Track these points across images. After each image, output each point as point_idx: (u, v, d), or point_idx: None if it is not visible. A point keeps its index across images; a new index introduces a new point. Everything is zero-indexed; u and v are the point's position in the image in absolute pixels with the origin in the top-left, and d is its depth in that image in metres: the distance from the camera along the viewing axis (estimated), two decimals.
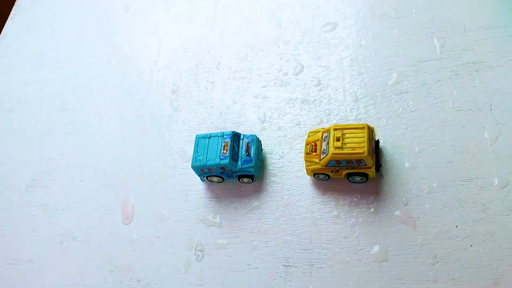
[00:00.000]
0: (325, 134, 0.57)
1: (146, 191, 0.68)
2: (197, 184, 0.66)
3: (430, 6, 0.68)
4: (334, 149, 0.54)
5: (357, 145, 0.53)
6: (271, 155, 0.64)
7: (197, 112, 0.73)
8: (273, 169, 0.63)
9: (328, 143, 0.55)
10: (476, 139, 0.56)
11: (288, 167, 0.62)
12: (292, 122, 0.66)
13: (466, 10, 0.65)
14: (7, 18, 1.10)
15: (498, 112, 0.57)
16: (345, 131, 0.55)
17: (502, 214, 0.51)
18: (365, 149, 0.53)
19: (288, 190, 0.61)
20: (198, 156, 0.61)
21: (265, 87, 0.71)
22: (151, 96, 0.78)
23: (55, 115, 0.83)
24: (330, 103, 0.65)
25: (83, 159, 0.76)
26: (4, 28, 1.05)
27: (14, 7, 1.08)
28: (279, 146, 0.65)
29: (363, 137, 0.54)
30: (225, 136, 0.61)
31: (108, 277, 0.63)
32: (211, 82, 0.75)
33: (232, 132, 0.61)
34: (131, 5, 0.91)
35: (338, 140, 0.54)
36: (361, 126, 0.54)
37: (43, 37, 0.97)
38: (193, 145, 0.69)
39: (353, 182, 0.57)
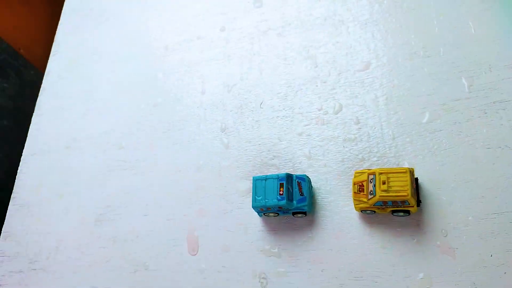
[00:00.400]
0: (371, 176, 0.65)
1: (208, 224, 0.77)
2: (254, 218, 0.74)
3: (456, 45, 0.74)
4: (381, 192, 0.62)
5: (401, 188, 0.61)
6: (319, 191, 0.72)
7: (246, 149, 0.80)
8: (323, 204, 0.71)
9: (374, 185, 0.63)
10: (505, 175, 0.63)
11: (336, 202, 0.71)
12: (336, 159, 0.74)
13: (490, 49, 0.72)
14: (48, 55, 1.18)
15: None
16: (390, 175, 0.62)
17: None
18: (409, 191, 0.61)
19: (338, 224, 0.69)
20: (257, 197, 0.69)
21: (307, 125, 0.78)
22: (201, 134, 0.85)
23: (112, 152, 0.92)
24: (370, 141, 0.73)
25: (144, 194, 0.84)
26: (48, 65, 1.13)
27: (54, 44, 1.15)
28: (326, 182, 0.73)
29: (406, 180, 0.61)
30: (280, 178, 0.69)
31: None
32: (257, 121, 0.82)
33: (286, 174, 0.69)
34: (169, 44, 0.98)
35: (384, 183, 0.62)
36: (404, 170, 0.62)
37: (86, 75, 1.05)
38: (246, 180, 0.77)
39: (397, 216, 0.66)
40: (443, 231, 0.63)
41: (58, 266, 0.84)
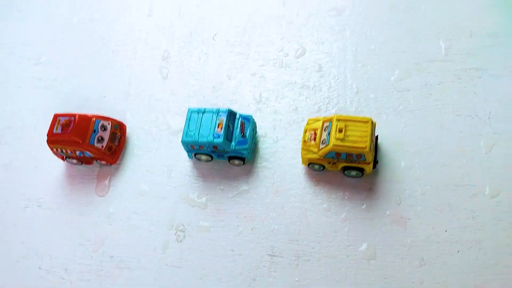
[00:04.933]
0: (326, 124, 0.55)
1: (125, 162, 0.64)
2: (183, 160, 0.62)
3: (439, 4, 0.66)
4: (335, 141, 0.52)
5: (359, 139, 0.52)
6: (264, 139, 0.62)
7: (188, 83, 0.68)
8: (266, 154, 0.60)
9: (329, 133, 0.53)
10: (472, 145, 0.56)
11: (282, 153, 0.60)
12: (289, 106, 0.63)
13: (474, 14, 0.65)
14: None
15: (496, 121, 0.57)
16: (349, 123, 0.53)
17: (490, 224, 0.52)
18: (368, 143, 0.51)
19: (280, 177, 0.58)
20: (189, 131, 0.57)
21: (263, 66, 0.67)
22: (139, 58, 0.72)
23: (25, 66, 0.75)
24: (330, 91, 0.63)
25: None
26: None
27: None
28: (274, 130, 0.62)
29: (366, 131, 0.52)
30: (220, 113, 0.57)
31: (77, 250, 0.58)
32: (205, 53, 0.70)
33: (228, 109, 0.58)
34: None
35: (340, 131, 0.52)
36: (365, 120, 0.53)
37: None
38: (181, 117, 0.65)
39: (348, 176, 0.56)
40: (397, 198, 0.55)
41: None
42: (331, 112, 0.61)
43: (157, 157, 0.63)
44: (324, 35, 0.68)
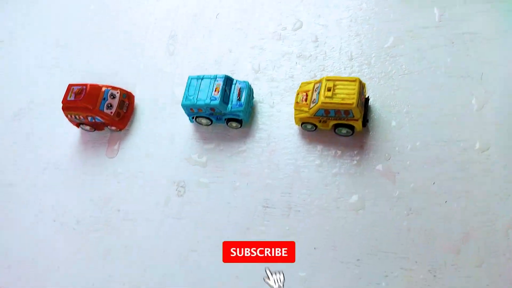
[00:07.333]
0: (317, 85, 0.57)
1: (134, 128, 0.68)
2: (185, 125, 0.66)
3: None
4: (324, 98, 0.54)
5: (347, 96, 0.54)
6: (261, 104, 0.65)
7: (192, 57, 0.72)
8: (262, 118, 0.63)
9: (319, 93, 0.56)
10: (463, 103, 0.57)
11: (277, 117, 0.63)
12: (285, 74, 0.66)
13: None
14: None
15: (488, 81, 0.58)
16: (337, 82, 0.55)
17: (480, 175, 0.52)
18: (355, 100, 0.54)
19: (275, 138, 0.61)
20: (189, 95, 0.61)
21: (262, 39, 0.71)
22: (148, 38, 0.77)
23: (48, 50, 0.82)
24: (325, 60, 0.66)
25: None
26: None
27: None
28: (271, 96, 0.65)
29: (353, 89, 0.54)
30: (217, 78, 0.61)
31: (88, 204, 0.63)
32: (209, 31, 0.74)
33: (225, 75, 0.61)
34: None
35: (329, 90, 0.55)
36: (353, 79, 0.55)
37: None
38: (184, 88, 0.69)
39: (339, 135, 0.58)
40: (386, 154, 0.56)
41: None
42: None
43: (162, 123, 0.67)
44: (321, 9, 0.70)
